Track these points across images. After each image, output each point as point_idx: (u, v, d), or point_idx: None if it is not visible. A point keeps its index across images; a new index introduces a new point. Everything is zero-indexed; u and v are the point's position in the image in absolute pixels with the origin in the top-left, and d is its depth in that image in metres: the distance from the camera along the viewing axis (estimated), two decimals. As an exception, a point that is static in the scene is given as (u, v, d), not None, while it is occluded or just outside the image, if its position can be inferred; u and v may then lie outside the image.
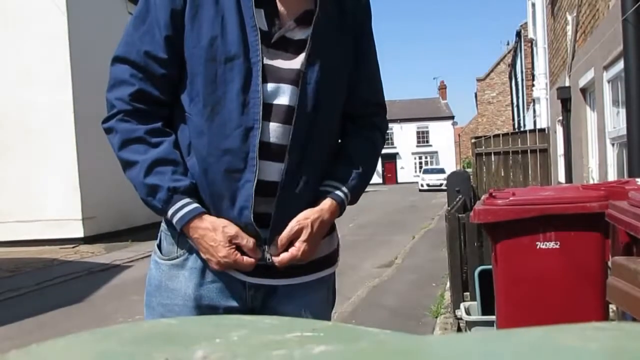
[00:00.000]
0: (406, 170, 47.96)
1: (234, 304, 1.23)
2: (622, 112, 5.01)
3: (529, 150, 11.44)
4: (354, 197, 1.31)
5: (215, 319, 0.58)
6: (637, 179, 2.94)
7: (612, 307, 2.76)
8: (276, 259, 1.20)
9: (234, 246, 1.16)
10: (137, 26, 1.21)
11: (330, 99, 1.25)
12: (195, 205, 1.18)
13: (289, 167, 1.19)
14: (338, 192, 1.27)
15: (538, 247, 2.64)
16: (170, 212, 1.17)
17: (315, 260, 1.28)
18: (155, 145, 1.18)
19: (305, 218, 1.21)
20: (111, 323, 4.60)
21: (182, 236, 1.23)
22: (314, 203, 1.25)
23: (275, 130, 1.19)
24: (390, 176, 48.03)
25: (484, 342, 0.44)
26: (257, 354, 0.43)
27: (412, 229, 11.64)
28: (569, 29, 7.94)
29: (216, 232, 1.15)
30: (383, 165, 48.41)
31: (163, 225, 1.29)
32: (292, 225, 1.20)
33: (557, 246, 2.62)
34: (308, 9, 1.22)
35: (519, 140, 11.69)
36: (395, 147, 48.30)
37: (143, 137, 1.18)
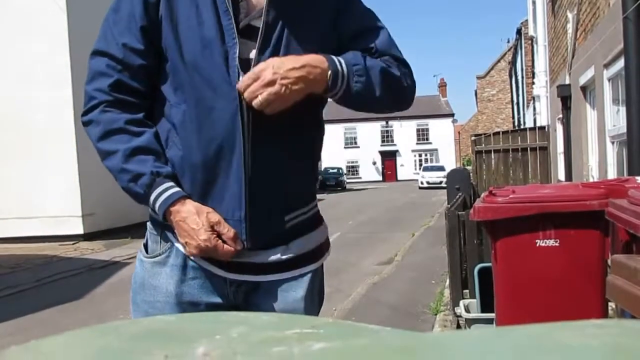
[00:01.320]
0: (406, 167, 47.96)
1: (216, 300, 1.23)
2: (622, 110, 5.01)
3: (529, 148, 11.44)
4: (351, 81, 1.19)
5: (214, 316, 0.58)
6: (637, 177, 2.94)
7: (612, 305, 2.77)
8: (247, 97, 1.13)
9: (215, 233, 1.15)
10: (113, 19, 1.22)
11: None
12: (178, 189, 1.18)
13: (254, 158, 1.17)
14: (332, 57, 1.19)
15: (538, 244, 2.64)
16: (153, 196, 1.17)
17: (299, 255, 1.26)
18: (137, 134, 1.18)
19: (276, 59, 1.15)
20: (111, 320, 4.60)
21: (165, 233, 1.24)
22: (293, 196, 1.24)
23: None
24: (390, 173, 48.04)
25: (483, 340, 0.44)
26: (257, 351, 0.43)
27: (412, 227, 11.64)
28: (570, 26, 7.93)
29: (200, 216, 1.15)
30: (383, 163, 48.41)
31: (148, 224, 1.30)
32: (257, 66, 1.14)
33: (557, 244, 2.62)
34: None
35: (519, 138, 11.69)
36: (395, 145, 48.28)
37: (124, 127, 1.18)
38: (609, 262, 2.40)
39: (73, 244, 10.66)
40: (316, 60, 1.16)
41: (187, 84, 1.17)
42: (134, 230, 12.00)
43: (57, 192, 10.83)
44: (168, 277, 1.23)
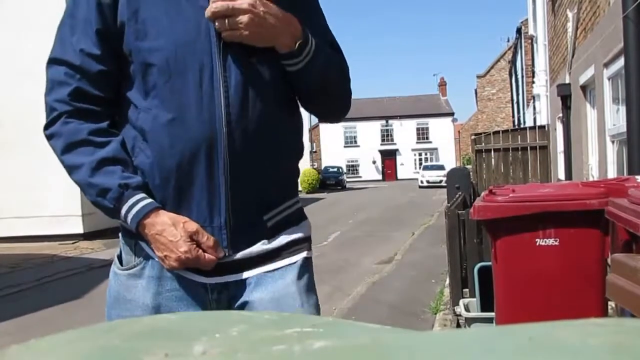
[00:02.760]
0: (406, 166, 47.98)
1: (196, 309, 1.17)
2: (622, 109, 5.00)
3: (528, 147, 11.44)
4: (316, 59, 1.19)
5: (214, 315, 0.58)
6: (637, 177, 2.94)
7: (611, 304, 2.77)
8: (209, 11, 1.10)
9: (194, 243, 1.10)
10: (69, 24, 1.18)
11: (251, 76, 1.16)
12: (150, 200, 1.12)
13: (233, 161, 1.14)
14: (306, 30, 1.19)
15: (537, 244, 2.64)
16: (123, 210, 1.11)
17: (282, 246, 1.22)
18: (102, 145, 1.13)
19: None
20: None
21: (139, 244, 1.17)
22: (274, 189, 1.22)
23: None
24: (390, 172, 48.05)
25: (483, 339, 0.44)
26: (257, 350, 0.43)
27: (412, 226, 11.65)
28: (570, 25, 7.93)
29: (176, 227, 1.10)
30: (383, 162, 48.42)
31: (120, 235, 1.23)
32: None
33: (557, 243, 2.63)
34: None
35: (519, 137, 11.69)
36: (395, 144, 48.29)
37: (88, 138, 1.12)
38: (609, 261, 2.40)
39: (73, 243, 10.66)
40: (294, 24, 1.16)
41: (160, 87, 1.12)
42: (134, 230, 12.00)
43: (57, 192, 10.83)
44: (144, 290, 1.17)
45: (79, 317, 5.09)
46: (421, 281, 6.14)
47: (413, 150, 48.67)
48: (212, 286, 1.17)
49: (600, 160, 6.36)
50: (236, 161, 1.13)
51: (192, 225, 1.11)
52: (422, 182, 31.91)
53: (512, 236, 2.67)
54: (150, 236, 1.12)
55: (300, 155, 1.31)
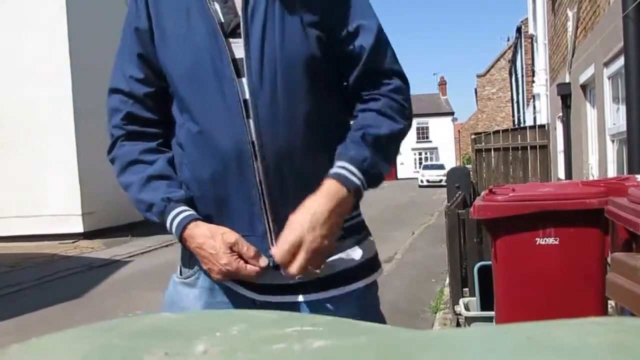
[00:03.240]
0: (406, 166, 47.96)
1: None
2: (622, 108, 5.00)
3: (528, 147, 11.44)
4: (363, 167, 1.11)
5: (214, 314, 0.58)
6: (637, 176, 2.94)
7: (611, 303, 2.77)
8: (288, 272, 1.08)
9: (235, 254, 1.08)
10: (119, 52, 1.24)
11: (289, 84, 1.11)
12: (190, 212, 1.12)
13: (267, 168, 1.09)
14: (331, 170, 1.10)
15: (537, 243, 2.64)
16: (168, 223, 1.13)
17: (340, 271, 1.15)
18: (150, 163, 1.18)
19: (298, 223, 1.06)
20: (111, 318, 4.60)
21: (193, 255, 1.17)
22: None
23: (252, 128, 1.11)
24: (389, 172, 48.01)
25: (483, 338, 0.44)
26: (257, 348, 0.43)
27: (412, 225, 11.65)
28: (570, 25, 7.92)
29: (215, 239, 1.09)
30: (383, 161, 48.30)
31: (180, 244, 1.24)
32: (286, 235, 1.06)
33: (557, 242, 2.63)
34: None
35: (519, 136, 11.69)
36: (395, 143, 48.22)
37: (137, 158, 1.19)
38: (609, 260, 2.40)
39: (73, 242, 10.66)
40: (334, 194, 1.07)
41: (186, 100, 1.14)
42: (134, 229, 11.99)
43: (57, 191, 10.84)
44: (196, 299, 1.19)
45: (79, 317, 5.09)
46: (421, 280, 6.14)
47: (413, 149, 48.66)
48: (261, 304, 1.15)
49: (600, 159, 6.36)
50: (271, 168, 1.10)
51: (231, 237, 1.09)
52: (422, 181, 31.90)
53: (512, 235, 2.67)
54: (192, 249, 1.12)
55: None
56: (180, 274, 1.24)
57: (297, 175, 1.12)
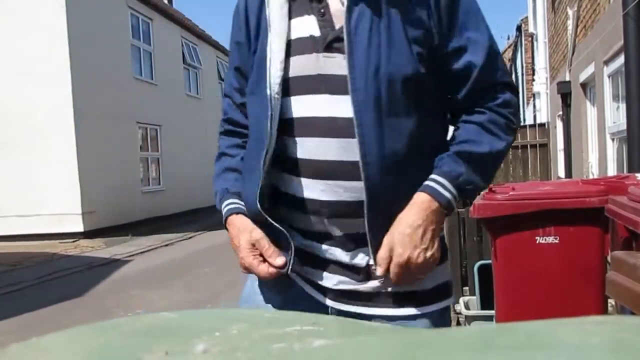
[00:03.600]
0: (406, 165, 47.88)
1: None
2: (622, 107, 5.00)
3: (528, 145, 11.43)
4: (457, 183, 1.09)
5: (214, 313, 0.58)
6: (637, 174, 2.94)
7: (611, 301, 2.77)
8: (392, 279, 1.09)
9: (256, 251, 1.14)
10: (229, 61, 1.36)
11: (394, 102, 1.07)
12: (236, 205, 1.20)
13: (371, 185, 1.07)
14: (426, 183, 1.09)
15: (537, 242, 2.64)
16: (221, 210, 1.23)
17: (425, 291, 1.14)
18: (232, 156, 1.29)
19: (393, 236, 1.07)
20: (111, 317, 4.61)
21: None
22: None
23: (316, 146, 1.10)
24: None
25: (483, 336, 0.44)
26: (257, 348, 0.43)
27: (412, 224, 11.62)
28: (570, 23, 7.92)
29: (241, 235, 1.16)
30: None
31: None
32: (385, 245, 1.07)
33: (557, 241, 2.63)
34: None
35: (519, 135, 11.66)
36: (395, 142, 48.19)
37: (224, 151, 1.32)
38: (609, 259, 2.40)
39: (73, 241, 10.66)
40: (426, 207, 1.08)
41: (248, 113, 1.24)
42: (134, 228, 12.00)
43: (57, 190, 10.84)
44: (271, 296, 1.22)
45: (79, 316, 5.09)
46: (421, 279, 6.13)
47: (413, 148, 48.60)
48: (333, 311, 1.15)
49: (600, 157, 6.36)
50: (374, 175, 1.09)
51: (256, 234, 1.15)
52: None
53: (512, 234, 2.67)
54: (229, 237, 1.21)
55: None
56: None
57: (398, 192, 1.10)
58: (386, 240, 1.08)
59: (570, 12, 7.87)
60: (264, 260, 1.13)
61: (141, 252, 9.10)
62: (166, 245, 10.00)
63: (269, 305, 1.20)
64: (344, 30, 1.07)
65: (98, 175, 11.40)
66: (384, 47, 1.07)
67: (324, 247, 1.15)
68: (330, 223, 1.13)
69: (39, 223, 10.77)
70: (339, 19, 1.09)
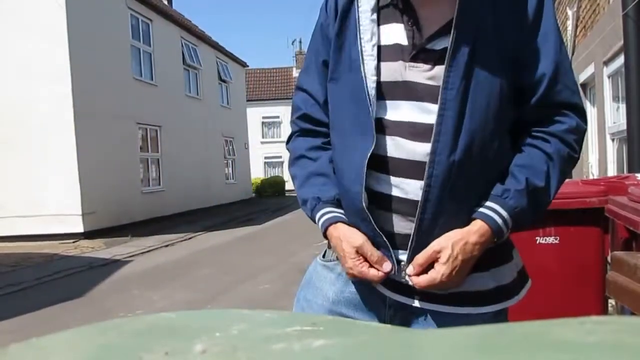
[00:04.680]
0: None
1: (370, 319, 1.19)
2: (622, 107, 5.00)
3: (528, 146, 11.41)
4: (516, 218, 1.10)
5: (214, 313, 0.58)
6: (637, 175, 2.94)
7: (611, 302, 2.77)
8: (415, 280, 1.11)
9: (361, 257, 1.13)
10: (309, 51, 1.30)
11: (481, 114, 1.08)
12: (333, 214, 1.19)
13: (426, 196, 1.08)
14: (487, 212, 1.10)
15: (537, 242, 2.64)
16: (316, 220, 1.22)
17: (481, 292, 1.14)
18: (314, 159, 1.26)
19: (447, 239, 1.09)
20: (111, 317, 4.61)
21: None
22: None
23: (404, 147, 1.12)
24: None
25: (483, 336, 0.44)
26: (257, 348, 0.43)
27: (412, 224, 11.63)
28: (570, 23, 7.92)
29: (343, 242, 1.15)
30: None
31: None
32: (432, 245, 1.10)
33: (557, 241, 2.63)
34: (451, 17, 1.09)
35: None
36: (395, 142, 48.20)
37: (304, 154, 1.27)
38: (609, 259, 2.40)
39: (73, 242, 10.67)
40: (481, 234, 1.09)
41: (332, 114, 1.21)
42: (135, 229, 12.00)
43: (57, 190, 10.84)
44: (331, 284, 1.24)
45: (80, 316, 5.09)
46: (421, 279, 6.14)
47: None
48: (390, 301, 1.18)
49: (600, 158, 6.36)
50: (436, 183, 1.10)
51: (357, 240, 1.14)
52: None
53: (512, 234, 2.67)
54: (332, 247, 1.22)
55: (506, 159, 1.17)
56: (324, 256, 1.29)
57: (454, 196, 1.10)
58: (436, 244, 1.09)
59: (569, 13, 7.88)
60: (370, 265, 1.13)
61: (141, 253, 9.10)
62: (166, 245, 10.00)
63: (330, 292, 1.22)
64: (451, 46, 1.07)
65: (98, 175, 11.40)
66: (479, 64, 1.08)
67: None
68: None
69: (39, 223, 10.77)
70: (427, 29, 1.11)
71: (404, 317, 1.17)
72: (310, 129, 1.28)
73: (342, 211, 1.19)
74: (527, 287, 1.28)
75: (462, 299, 1.14)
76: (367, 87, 1.12)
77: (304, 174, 1.25)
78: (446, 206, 1.09)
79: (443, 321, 1.14)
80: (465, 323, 1.12)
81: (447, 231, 1.10)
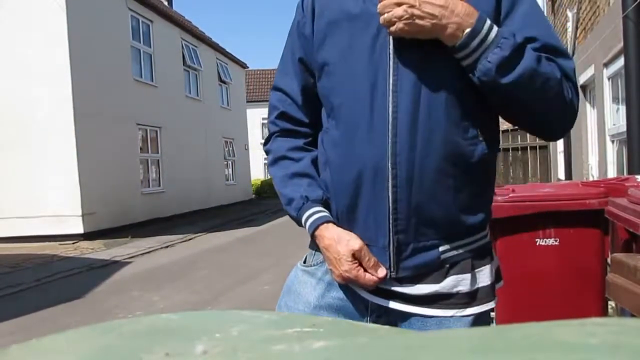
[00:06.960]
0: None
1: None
2: (622, 109, 5.00)
3: (529, 147, 11.44)
4: (499, 44, 1.02)
5: (215, 314, 0.58)
6: (637, 176, 2.94)
7: (612, 303, 2.77)
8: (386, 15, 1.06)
9: (357, 261, 1.13)
10: (285, 50, 1.29)
11: (434, 105, 1.09)
12: (324, 213, 1.18)
13: (404, 185, 1.10)
14: (487, 20, 1.05)
15: (537, 243, 2.64)
16: (303, 220, 1.20)
17: (457, 293, 1.14)
18: (297, 160, 1.25)
19: None
20: (111, 319, 4.61)
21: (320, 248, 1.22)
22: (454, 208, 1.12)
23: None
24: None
25: (482, 338, 0.44)
26: (257, 349, 0.43)
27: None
28: (569, 25, 7.93)
29: (340, 245, 1.14)
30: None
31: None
32: None
33: (557, 243, 2.63)
34: None
35: (519, 136, 11.69)
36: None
37: (285, 154, 1.26)
38: (609, 260, 2.40)
39: (73, 243, 10.66)
40: (463, 11, 1.03)
41: (335, 107, 1.18)
42: (134, 230, 12.00)
43: (57, 191, 10.84)
44: (312, 289, 1.23)
45: (79, 317, 5.09)
46: (421, 281, 6.13)
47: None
48: (372, 306, 1.18)
49: (600, 160, 6.36)
50: (403, 184, 1.10)
51: (356, 243, 1.14)
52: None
53: (512, 236, 2.67)
54: (320, 248, 1.19)
55: (488, 182, 1.20)
56: (304, 262, 1.29)
57: (429, 197, 1.11)
58: None
59: (569, 14, 7.88)
60: (365, 270, 1.13)
61: (141, 254, 9.10)
62: (166, 246, 10.00)
63: (312, 297, 1.21)
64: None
65: (98, 176, 11.40)
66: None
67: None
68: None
69: (39, 224, 10.77)
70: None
71: (386, 322, 1.17)
72: (291, 128, 1.28)
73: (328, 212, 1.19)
74: (498, 286, 1.29)
75: (445, 302, 1.14)
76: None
77: (286, 173, 1.24)
78: (419, 207, 1.11)
79: (426, 325, 1.14)
80: (449, 326, 1.13)
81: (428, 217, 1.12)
